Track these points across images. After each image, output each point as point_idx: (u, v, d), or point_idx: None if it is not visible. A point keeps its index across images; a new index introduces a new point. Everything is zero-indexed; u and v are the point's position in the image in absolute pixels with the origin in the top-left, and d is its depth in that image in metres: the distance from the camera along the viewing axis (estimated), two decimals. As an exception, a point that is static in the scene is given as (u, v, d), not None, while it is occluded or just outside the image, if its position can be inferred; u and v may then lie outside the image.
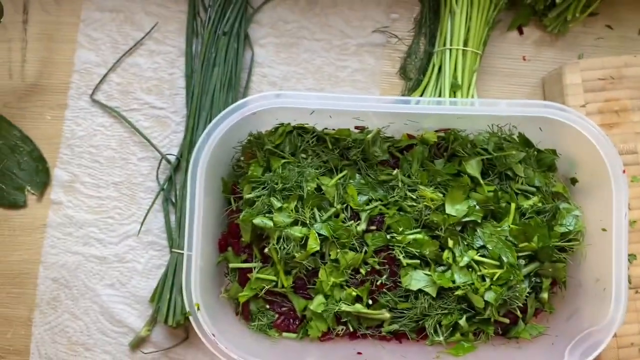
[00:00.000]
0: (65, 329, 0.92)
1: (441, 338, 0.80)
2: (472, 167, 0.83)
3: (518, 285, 0.80)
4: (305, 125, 0.85)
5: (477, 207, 0.81)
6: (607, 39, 0.98)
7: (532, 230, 0.81)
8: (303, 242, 0.79)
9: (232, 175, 0.87)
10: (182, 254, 0.86)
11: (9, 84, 0.95)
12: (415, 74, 0.97)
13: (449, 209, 0.81)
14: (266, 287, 0.82)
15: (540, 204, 0.83)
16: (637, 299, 0.87)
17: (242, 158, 0.87)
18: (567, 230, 0.81)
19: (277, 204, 0.81)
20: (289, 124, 0.84)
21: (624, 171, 0.76)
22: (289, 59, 0.97)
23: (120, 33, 0.96)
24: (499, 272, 0.79)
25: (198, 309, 0.76)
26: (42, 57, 0.96)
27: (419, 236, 0.81)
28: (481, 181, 0.83)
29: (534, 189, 0.85)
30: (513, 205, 0.82)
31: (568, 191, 0.85)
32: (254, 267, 0.84)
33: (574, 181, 0.85)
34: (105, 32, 0.96)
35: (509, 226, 0.81)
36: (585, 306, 0.81)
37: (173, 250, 0.89)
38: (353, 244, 0.81)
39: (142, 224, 0.93)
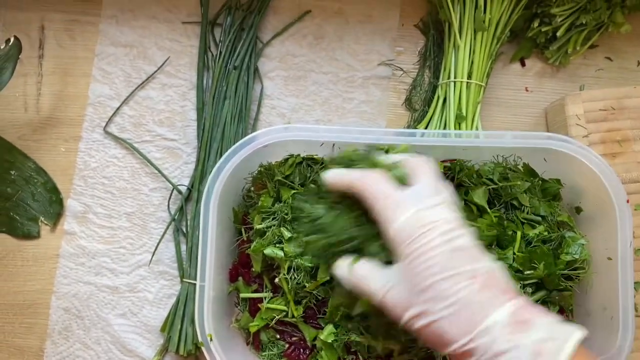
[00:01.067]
0: (76, 359, 0.92)
1: (451, 367, 0.81)
2: (479, 196, 0.85)
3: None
4: (315, 156, 0.87)
5: (483, 233, 0.82)
6: (607, 70, 1.01)
7: (537, 258, 0.82)
8: (313, 272, 0.81)
9: (242, 205, 0.89)
10: (193, 283, 0.87)
11: (24, 117, 0.98)
12: (420, 106, 0.99)
13: None
14: (277, 317, 0.83)
15: (546, 233, 0.84)
16: (644, 326, 0.88)
17: (252, 188, 0.89)
18: (573, 258, 0.82)
19: (287, 234, 0.82)
20: (298, 155, 0.86)
21: (627, 201, 0.78)
22: (297, 91, 1.00)
23: (134, 67, 0.99)
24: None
25: (211, 339, 0.77)
26: (57, 90, 0.98)
27: None
28: (487, 209, 0.84)
29: (539, 218, 0.86)
30: (519, 233, 0.84)
31: (573, 220, 0.86)
32: (265, 297, 0.85)
33: (578, 210, 0.86)
34: (119, 66, 0.99)
35: (514, 253, 0.83)
36: (594, 335, 0.82)
37: (184, 280, 0.91)
38: (362, 274, 0.82)
39: (153, 253, 0.94)
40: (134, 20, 1.00)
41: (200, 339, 0.77)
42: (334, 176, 0.67)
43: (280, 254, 0.81)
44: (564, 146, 0.80)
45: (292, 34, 1.01)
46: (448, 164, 0.87)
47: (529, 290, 0.82)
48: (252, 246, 0.83)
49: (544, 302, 0.84)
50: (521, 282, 0.81)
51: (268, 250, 0.81)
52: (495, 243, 0.85)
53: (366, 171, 0.66)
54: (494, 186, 0.85)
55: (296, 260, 0.80)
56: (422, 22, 1.01)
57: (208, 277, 0.79)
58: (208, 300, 0.78)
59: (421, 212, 0.60)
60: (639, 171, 0.91)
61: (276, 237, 0.83)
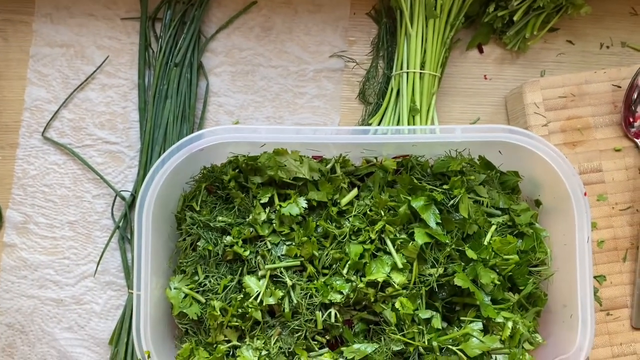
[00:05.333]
0: (21, 377, 0.88)
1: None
2: (420, 206, 0.79)
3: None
4: (259, 157, 0.82)
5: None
6: (568, 54, 0.97)
7: (512, 245, 0.77)
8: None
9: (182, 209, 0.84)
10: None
11: (-43, 124, 0.93)
12: (374, 98, 0.94)
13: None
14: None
15: (510, 222, 0.81)
16: (609, 321, 0.85)
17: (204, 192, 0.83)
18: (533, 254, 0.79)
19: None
20: (244, 155, 0.82)
21: (585, 194, 0.74)
22: (246, 87, 0.95)
23: (71, 68, 0.94)
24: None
25: (149, 357, 0.72)
26: (-10, 95, 0.93)
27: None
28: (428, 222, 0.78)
29: (499, 212, 0.82)
30: (493, 225, 0.79)
31: (536, 213, 0.82)
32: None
33: (538, 203, 0.83)
34: (56, 68, 0.94)
35: (489, 242, 0.77)
36: (555, 333, 0.78)
37: (130, 291, 0.86)
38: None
39: (98, 263, 0.90)
40: (70, 17, 0.94)
41: (139, 355, 0.73)
42: None
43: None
44: (517, 139, 0.75)
45: (237, 27, 0.96)
46: (400, 160, 0.83)
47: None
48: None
49: (521, 306, 0.79)
50: (499, 274, 0.77)
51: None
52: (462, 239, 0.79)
53: None
54: (443, 189, 0.79)
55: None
56: (374, 9, 0.96)
57: (144, 286, 0.74)
58: (145, 312, 0.73)
59: None
60: (601, 160, 0.87)
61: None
